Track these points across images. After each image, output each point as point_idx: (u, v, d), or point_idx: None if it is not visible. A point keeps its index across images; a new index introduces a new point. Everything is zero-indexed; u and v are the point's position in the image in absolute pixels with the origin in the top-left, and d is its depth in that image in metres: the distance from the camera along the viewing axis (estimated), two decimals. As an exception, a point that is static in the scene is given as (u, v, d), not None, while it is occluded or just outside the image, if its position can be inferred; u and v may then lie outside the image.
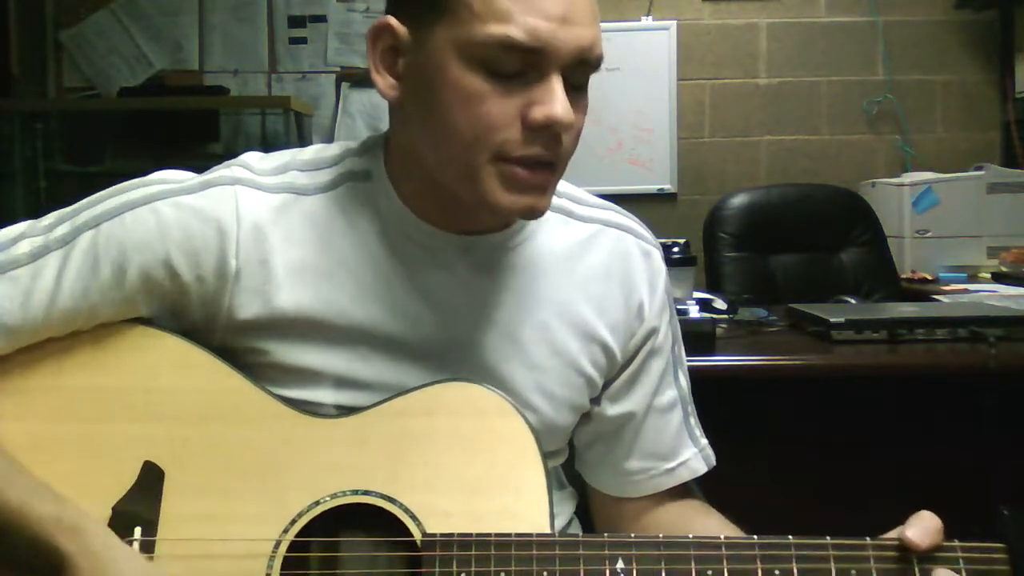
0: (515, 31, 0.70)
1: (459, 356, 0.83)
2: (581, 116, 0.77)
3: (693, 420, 0.96)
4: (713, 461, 0.96)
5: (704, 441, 0.96)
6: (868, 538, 0.77)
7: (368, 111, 3.45)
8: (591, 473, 0.96)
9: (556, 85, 0.72)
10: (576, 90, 0.76)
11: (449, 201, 0.80)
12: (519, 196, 0.75)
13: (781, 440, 1.60)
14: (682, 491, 0.96)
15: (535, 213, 0.78)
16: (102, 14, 3.46)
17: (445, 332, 0.83)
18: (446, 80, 0.73)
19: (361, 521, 0.78)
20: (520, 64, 0.72)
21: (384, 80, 0.78)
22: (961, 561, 0.75)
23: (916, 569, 0.75)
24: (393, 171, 0.83)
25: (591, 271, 0.89)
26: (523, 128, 0.73)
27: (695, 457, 0.94)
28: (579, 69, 0.75)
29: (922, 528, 0.75)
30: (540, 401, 0.85)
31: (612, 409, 0.91)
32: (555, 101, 0.72)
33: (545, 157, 0.74)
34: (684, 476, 0.94)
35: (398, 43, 0.77)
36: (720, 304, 1.94)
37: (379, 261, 0.82)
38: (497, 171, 0.74)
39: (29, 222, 0.82)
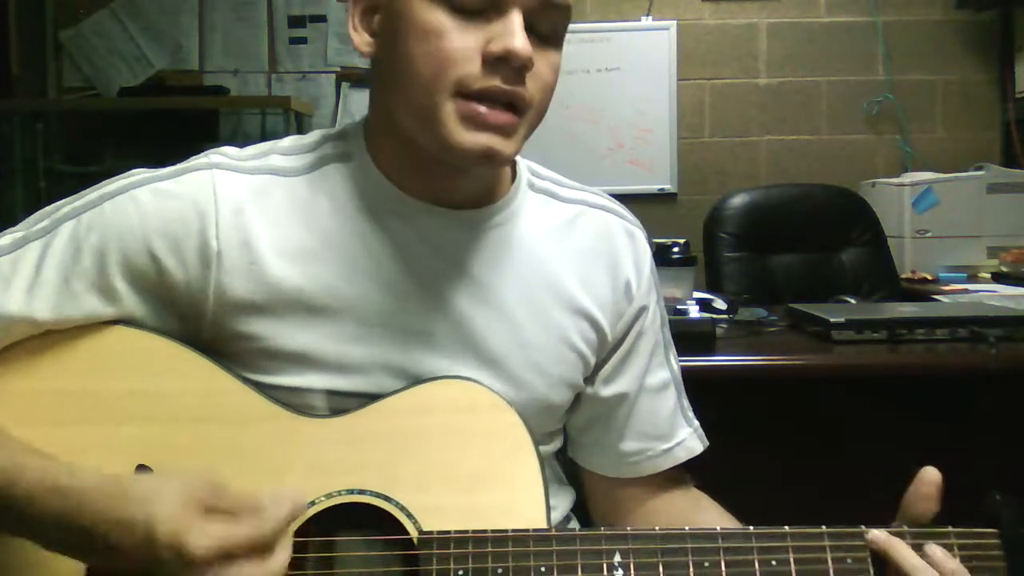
0: None
1: (448, 333, 0.83)
2: (549, 70, 0.78)
3: (685, 402, 0.97)
4: (706, 441, 0.97)
5: (696, 423, 0.97)
6: (863, 526, 0.78)
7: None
8: (587, 457, 0.96)
9: (515, 20, 0.73)
10: (544, 41, 0.77)
11: (426, 169, 0.80)
12: (478, 134, 0.74)
13: (781, 440, 1.60)
14: (679, 480, 0.96)
15: (495, 156, 0.76)
16: (102, 14, 3.46)
17: (433, 308, 0.83)
18: (409, 19, 0.74)
19: (357, 520, 0.78)
20: (480, 1, 0.73)
21: (360, 37, 0.80)
22: (955, 547, 0.77)
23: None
24: (373, 148, 0.84)
25: (577, 250, 0.90)
26: (482, 63, 0.73)
27: (690, 437, 0.95)
28: (544, 14, 0.75)
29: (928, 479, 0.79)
30: (533, 377, 0.85)
31: (606, 390, 0.92)
32: (513, 34, 0.72)
33: (505, 93, 0.74)
34: (681, 456, 0.94)
35: (375, 2, 0.79)
36: (720, 304, 1.94)
37: (365, 238, 0.82)
38: (456, 108, 0.74)
39: (13, 227, 0.82)
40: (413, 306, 0.82)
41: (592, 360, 0.90)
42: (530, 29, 0.74)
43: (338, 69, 3.47)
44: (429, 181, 0.82)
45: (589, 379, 0.92)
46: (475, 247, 0.85)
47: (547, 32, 0.77)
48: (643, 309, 0.92)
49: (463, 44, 0.73)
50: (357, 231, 0.82)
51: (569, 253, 0.89)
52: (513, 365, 0.84)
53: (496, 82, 0.74)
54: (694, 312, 1.73)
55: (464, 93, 0.74)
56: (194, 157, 0.83)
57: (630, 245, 0.93)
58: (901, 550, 0.75)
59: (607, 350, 0.91)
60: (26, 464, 0.71)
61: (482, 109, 0.74)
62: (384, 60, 0.79)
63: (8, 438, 0.74)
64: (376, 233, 0.82)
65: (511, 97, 0.75)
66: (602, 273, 0.90)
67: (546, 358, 0.86)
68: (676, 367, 0.97)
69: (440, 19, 0.73)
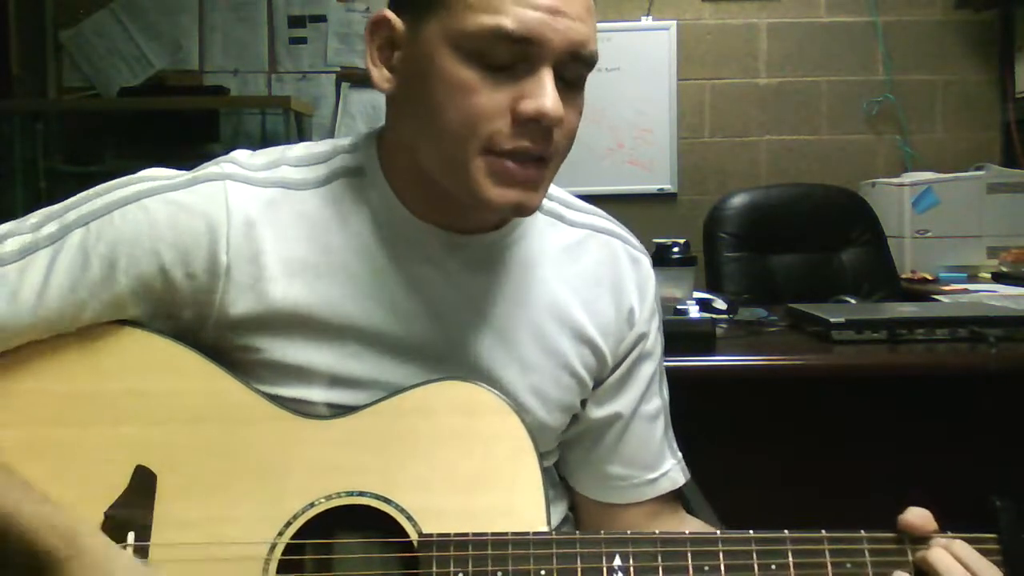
0: (507, 21, 0.71)
1: (451, 355, 0.83)
2: (575, 115, 0.77)
3: (671, 433, 0.97)
4: (688, 474, 0.96)
5: (679, 454, 0.97)
6: (863, 531, 0.78)
7: (368, 111, 3.44)
8: (572, 474, 0.95)
9: (547, 78, 0.72)
10: (570, 88, 0.76)
11: (441, 197, 0.79)
12: (507, 190, 0.75)
13: (781, 440, 1.60)
14: (672, 507, 0.96)
15: (524, 209, 0.77)
16: (102, 14, 3.46)
17: (438, 330, 0.83)
18: (438, 72, 0.73)
19: (357, 522, 0.78)
20: (511, 56, 0.72)
21: (380, 72, 0.79)
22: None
23: (910, 560, 0.77)
24: (387, 167, 0.83)
25: (582, 275, 0.89)
26: (512, 121, 0.73)
27: (675, 468, 0.95)
28: (572, 65, 0.74)
29: (918, 514, 0.77)
30: (532, 402, 0.85)
31: (597, 411, 0.91)
32: (545, 95, 0.72)
33: (534, 151, 0.74)
34: (666, 487, 0.94)
35: (395, 36, 0.77)
36: (720, 304, 1.94)
37: (373, 257, 0.82)
38: (486, 164, 0.74)
39: (13, 222, 0.81)
40: (416, 327, 0.82)
41: (590, 384, 0.90)
42: (558, 77, 0.74)
43: (338, 69, 3.47)
44: (442, 210, 0.82)
45: (583, 401, 0.91)
46: (481, 270, 0.85)
47: (575, 79, 0.76)
48: (643, 335, 0.92)
49: (493, 102, 0.73)
50: (364, 250, 0.82)
51: (573, 277, 0.89)
52: (513, 389, 0.84)
53: (525, 143, 0.73)
54: (694, 312, 1.72)
55: (493, 150, 0.73)
56: (206, 165, 0.83)
57: (634, 271, 0.92)
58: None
59: (606, 372, 0.91)
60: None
61: (511, 165, 0.74)
62: (407, 100, 0.78)
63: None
64: (383, 253, 0.82)
65: (539, 154, 0.74)
66: (606, 299, 0.90)
67: (545, 383, 0.86)
68: (667, 397, 0.96)
69: (470, 76, 0.72)
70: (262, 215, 0.80)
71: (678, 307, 1.72)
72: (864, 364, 1.61)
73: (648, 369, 0.93)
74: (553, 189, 0.92)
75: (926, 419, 1.60)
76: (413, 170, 0.80)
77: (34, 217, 0.81)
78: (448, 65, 0.73)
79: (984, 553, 0.75)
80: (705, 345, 1.62)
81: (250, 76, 3.48)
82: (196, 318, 0.80)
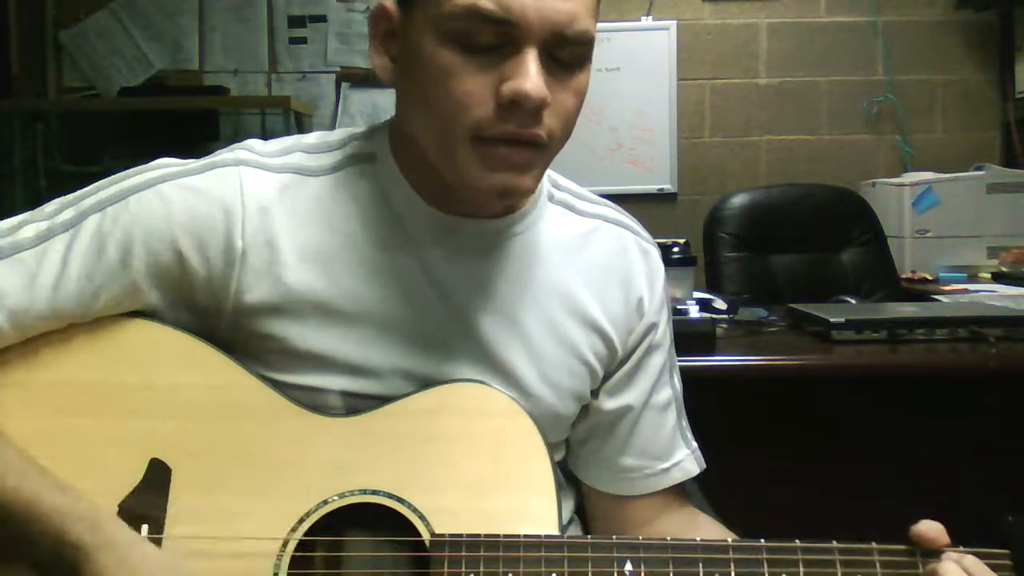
0: (483, 0, 0.69)
1: (463, 342, 0.83)
2: (570, 97, 0.75)
3: (685, 422, 0.96)
4: (703, 463, 0.96)
5: (694, 444, 0.96)
6: (874, 543, 0.77)
7: (368, 111, 3.45)
8: (584, 469, 0.95)
9: (529, 59, 0.70)
10: (565, 68, 0.73)
11: (445, 182, 0.79)
12: (496, 174, 0.73)
13: (781, 440, 1.61)
14: (681, 499, 0.96)
15: (514, 192, 0.76)
16: (102, 14, 3.46)
17: (449, 316, 0.83)
18: (424, 57, 0.73)
19: (369, 521, 0.79)
20: (494, 37, 0.71)
21: (380, 61, 0.79)
22: None
23: (921, 572, 0.76)
24: (397, 153, 0.83)
25: (591, 264, 0.90)
26: (496, 105, 0.71)
27: (688, 458, 0.95)
28: (561, 45, 0.72)
29: (930, 527, 0.77)
30: (543, 389, 0.85)
31: (609, 403, 0.91)
32: (526, 76, 0.70)
33: (520, 135, 0.72)
34: (678, 477, 0.94)
35: (393, 26, 0.78)
36: (720, 304, 1.94)
37: (386, 242, 0.82)
38: (475, 150, 0.73)
39: (29, 212, 0.81)
40: (430, 313, 0.82)
41: (600, 373, 0.90)
42: (551, 58, 0.72)
43: (338, 69, 3.47)
44: (448, 196, 0.82)
45: (594, 391, 0.91)
46: (493, 257, 0.85)
47: (569, 59, 0.73)
48: (653, 326, 0.92)
49: (477, 86, 0.71)
50: (378, 236, 0.82)
51: (583, 267, 0.89)
52: (524, 376, 0.84)
53: (510, 127, 0.72)
54: (694, 312, 1.73)
55: (481, 136, 0.72)
56: (220, 151, 0.83)
57: (644, 262, 0.92)
58: None
59: (616, 364, 0.91)
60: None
61: (500, 150, 0.73)
62: (405, 89, 0.78)
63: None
64: (396, 239, 0.82)
65: (526, 138, 0.73)
66: (615, 288, 0.90)
67: (557, 371, 0.86)
68: (679, 387, 0.96)
69: (451, 60, 0.71)
70: (276, 200, 0.80)
71: (678, 307, 1.73)
72: (864, 364, 1.62)
73: (658, 360, 0.93)
74: (563, 180, 0.93)
75: (926, 419, 1.61)
76: (419, 156, 0.80)
77: (51, 205, 0.81)
78: (432, 50, 0.72)
79: (996, 569, 0.75)
80: (705, 345, 1.63)
81: (250, 76, 3.48)
82: (212, 305, 0.80)
